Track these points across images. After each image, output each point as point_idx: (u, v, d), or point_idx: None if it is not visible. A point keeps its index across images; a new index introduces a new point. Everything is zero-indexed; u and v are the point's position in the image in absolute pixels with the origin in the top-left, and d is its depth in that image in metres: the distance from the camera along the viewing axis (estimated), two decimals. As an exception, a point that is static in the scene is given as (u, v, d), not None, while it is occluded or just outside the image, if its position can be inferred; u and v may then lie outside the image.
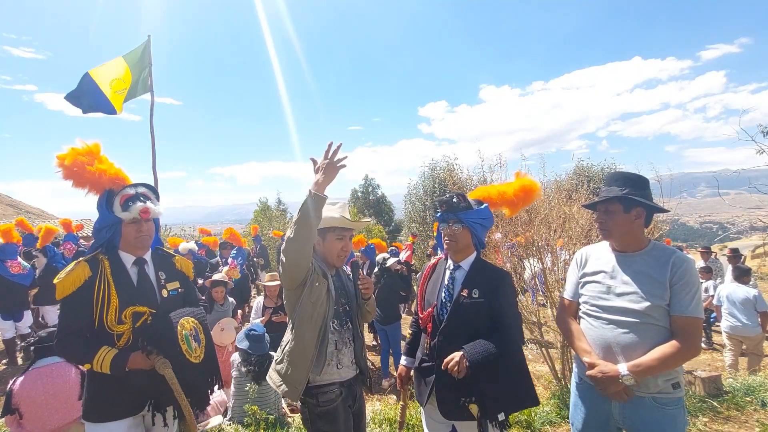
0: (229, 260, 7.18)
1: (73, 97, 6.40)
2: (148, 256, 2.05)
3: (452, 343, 1.91)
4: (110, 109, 6.83)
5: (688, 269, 1.72)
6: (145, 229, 1.96)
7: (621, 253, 1.88)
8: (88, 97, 6.44)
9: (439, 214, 2.12)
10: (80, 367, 2.75)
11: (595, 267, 1.93)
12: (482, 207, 2.09)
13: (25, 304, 5.93)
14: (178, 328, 1.89)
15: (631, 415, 1.78)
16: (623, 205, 1.81)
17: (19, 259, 5.72)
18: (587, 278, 1.95)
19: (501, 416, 1.82)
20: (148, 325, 1.89)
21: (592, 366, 1.79)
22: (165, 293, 2.02)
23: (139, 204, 1.92)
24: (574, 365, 2.08)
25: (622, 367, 1.70)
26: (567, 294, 2.08)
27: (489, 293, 1.95)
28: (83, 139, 1.93)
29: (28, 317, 5.98)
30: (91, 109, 6.48)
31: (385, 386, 5.17)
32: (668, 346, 1.68)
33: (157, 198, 2.07)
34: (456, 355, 1.84)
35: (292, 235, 1.76)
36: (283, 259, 1.82)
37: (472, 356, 1.81)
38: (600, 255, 1.96)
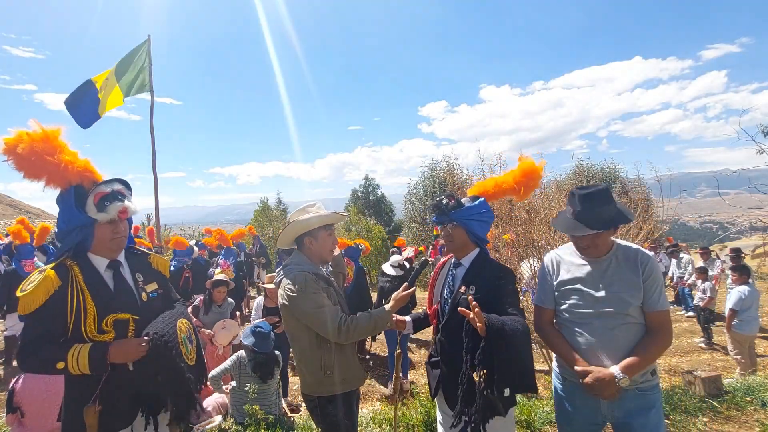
0: (220, 261, 7.15)
1: (71, 106, 6.42)
2: (122, 257, 1.90)
3: (454, 338, 1.90)
4: (95, 115, 6.83)
5: (653, 265, 1.80)
6: (121, 230, 1.80)
7: (593, 259, 1.89)
8: (84, 104, 6.47)
9: (434, 218, 2.12)
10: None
11: (570, 274, 1.93)
12: (475, 202, 2.06)
13: None
14: (177, 331, 1.81)
15: (619, 408, 1.84)
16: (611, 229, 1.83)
17: (35, 259, 5.73)
18: (564, 287, 1.95)
19: (506, 392, 1.73)
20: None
21: (584, 374, 1.78)
22: (144, 296, 1.88)
23: (117, 203, 1.74)
24: (553, 367, 2.08)
25: (616, 370, 1.72)
26: (542, 302, 2.04)
27: (487, 290, 1.93)
28: (60, 129, 1.68)
29: None
30: (85, 118, 6.52)
31: (406, 388, 4.91)
32: (650, 342, 1.77)
33: (131, 193, 1.90)
34: (480, 317, 1.72)
35: (355, 335, 1.99)
36: (341, 339, 1.99)
37: (491, 320, 1.72)
38: (571, 260, 1.97)
